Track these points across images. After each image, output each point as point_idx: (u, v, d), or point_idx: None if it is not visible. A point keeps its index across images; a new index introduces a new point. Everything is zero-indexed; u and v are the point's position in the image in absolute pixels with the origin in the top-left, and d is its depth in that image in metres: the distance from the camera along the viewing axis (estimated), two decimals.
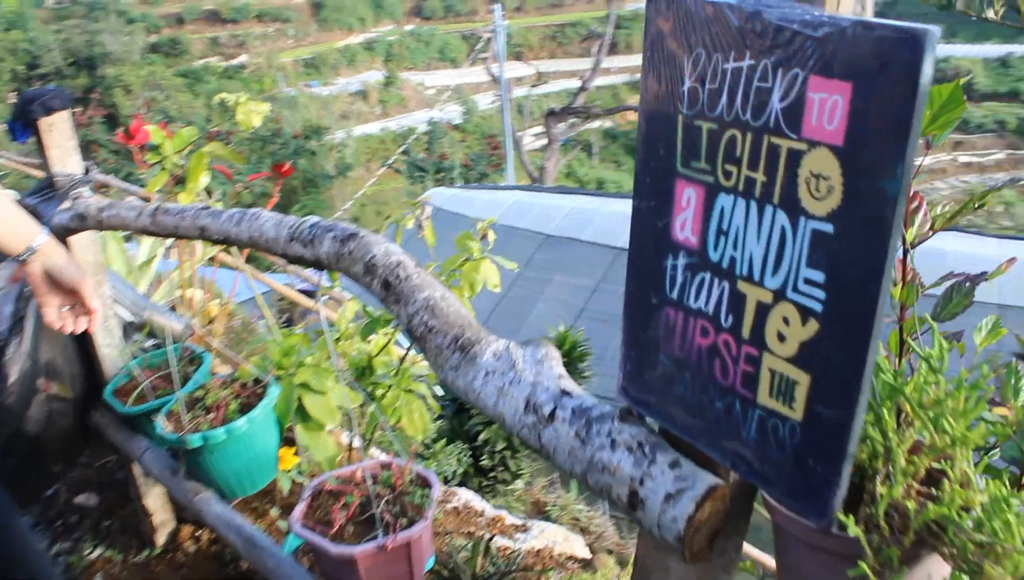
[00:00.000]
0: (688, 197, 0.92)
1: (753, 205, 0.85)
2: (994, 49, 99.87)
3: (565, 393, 1.09)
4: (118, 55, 54.88)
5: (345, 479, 1.90)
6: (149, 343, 2.75)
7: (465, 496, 3.16)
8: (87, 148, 28.71)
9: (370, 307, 2.56)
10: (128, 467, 2.67)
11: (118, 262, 3.47)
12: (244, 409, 2.14)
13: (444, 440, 4.25)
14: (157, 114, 29.95)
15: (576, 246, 12.40)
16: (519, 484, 5.78)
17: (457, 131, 54.87)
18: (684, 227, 0.93)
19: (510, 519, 3.07)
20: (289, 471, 2.45)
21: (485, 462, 5.31)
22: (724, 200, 0.88)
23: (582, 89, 25.93)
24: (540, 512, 5.94)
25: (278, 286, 9.13)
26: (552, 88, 59.76)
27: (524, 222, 13.04)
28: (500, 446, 5.42)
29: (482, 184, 21.06)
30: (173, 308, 3.61)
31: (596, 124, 49.08)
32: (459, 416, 5.35)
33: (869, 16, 0.82)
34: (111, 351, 2.49)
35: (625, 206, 14.00)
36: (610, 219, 12.85)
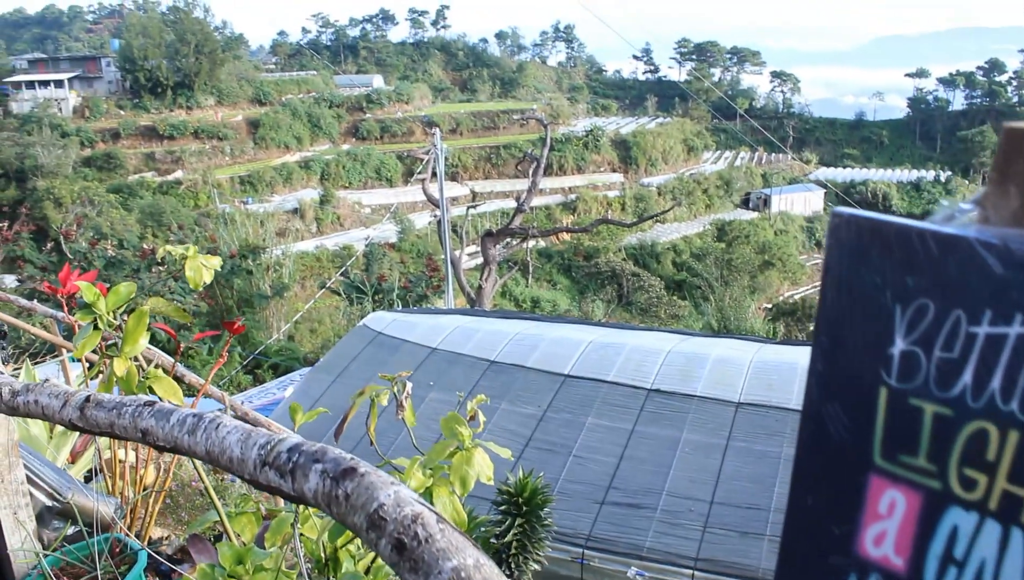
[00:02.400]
0: (891, 502, 0.63)
1: (1017, 535, 0.57)
2: (906, 174, 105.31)
3: None
4: (50, 168, 54.30)
5: None
6: (72, 531, 2.35)
7: None
8: (13, 264, 27.83)
9: None
10: None
11: (36, 425, 3.06)
12: None
13: None
14: (88, 230, 29.29)
15: (521, 373, 12.11)
16: None
17: (394, 250, 54.94)
18: (881, 542, 0.64)
19: None
20: None
21: None
22: (959, 518, 0.60)
23: (519, 210, 26.08)
24: None
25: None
26: (487, 208, 60.62)
27: (467, 348, 12.75)
28: None
29: (423, 307, 20.82)
30: (98, 472, 3.20)
31: (531, 243, 49.63)
32: None
33: None
34: (22, 553, 2.09)
35: (569, 331, 13.82)
36: (554, 345, 12.63)
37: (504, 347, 12.69)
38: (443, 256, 24.62)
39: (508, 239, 27.82)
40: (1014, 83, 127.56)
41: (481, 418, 2.03)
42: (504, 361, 12.37)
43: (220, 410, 5.96)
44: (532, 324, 14.50)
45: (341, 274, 27.69)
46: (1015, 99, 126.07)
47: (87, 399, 1.57)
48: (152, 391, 2.21)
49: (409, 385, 2.02)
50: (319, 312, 27.47)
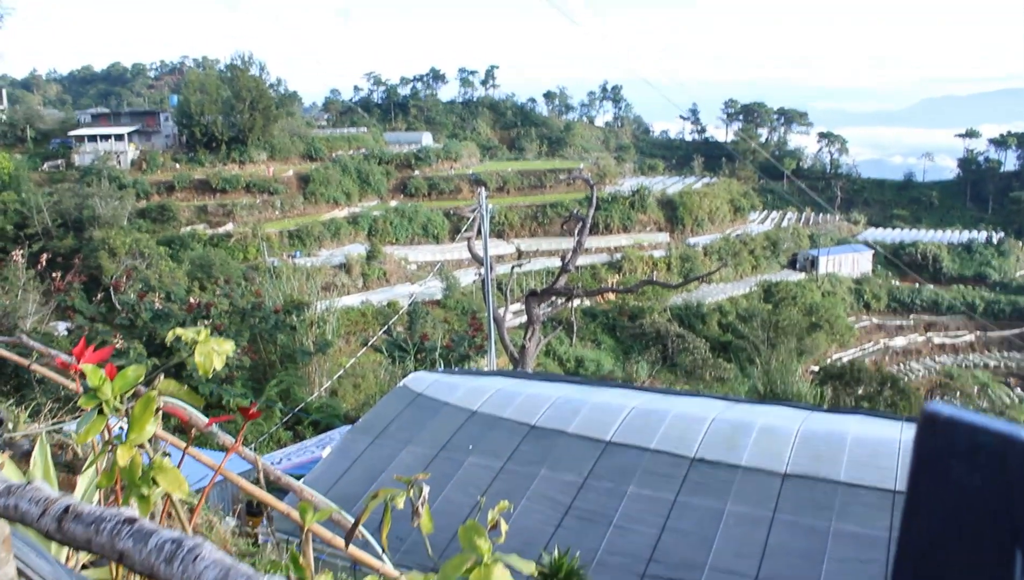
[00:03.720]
0: None
1: None
2: (957, 235, 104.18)
3: None
4: (106, 219, 55.59)
5: None
6: None
7: None
8: (64, 312, 28.32)
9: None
10: None
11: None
12: None
13: None
14: (137, 283, 29.71)
15: (562, 439, 11.86)
16: None
17: (439, 307, 55.06)
18: None
19: None
20: None
21: None
22: None
23: (564, 270, 25.97)
24: None
25: (235, 478, 8.44)
26: (533, 266, 60.65)
27: (508, 412, 12.55)
28: None
29: (464, 369, 20.70)
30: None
31: (575, 302, 49.46)
32: None
33: None
34: None
35: (611, 396, 13.57)
36: (596, 411, 12.39)
37: (545, 411, 12.48)
38: (489, 310, 24.57)
39: (553, 298, 27.71)
40: None
41: (504, 527, 1.85)
42: (545, 426, 12.14)
43: (252, 472, 5.79)
44: (574, 388, 14.28)
45: (384, 332, 27.71)
46: None
47: (66, 510, 1.44)
48: (156, 483, 2.07)
49: (426, 489, 1.86)
50: (363, 367, 27.49)
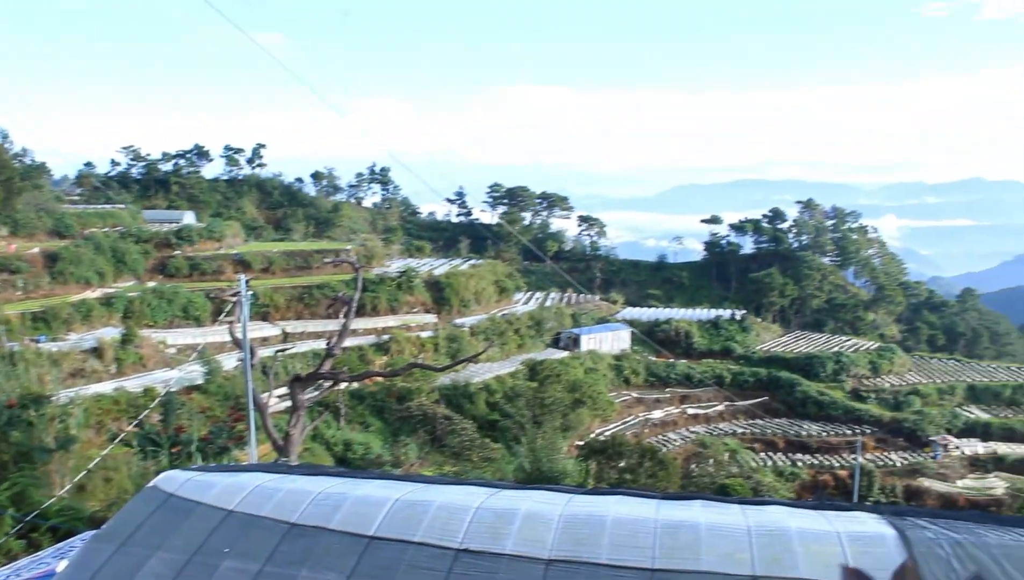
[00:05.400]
0: None
1: None
2: (705, 313, 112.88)
3: None
4: None
5: None
6: None
7: None
8: None
9: None
10: None
11: None
12: None
13: None
14: None
15: (324, 536, 11.48)
16: None
17: (200, 392, 52.38)
18: None
19: None
20: None
21: None
22: None
23: (329, 355, 25.59)
24: None
25: None
26: (299, 349, 59.27)
27: (267, 510, 12.00)
28: None
29: (222, 465, 19.66)
30: None
31: (343, 385, 48.60)
32: None
33: None
34: None
35: (374, 488, 13.34)
36: (359, 504, 12.10)
37: (306, 508, 12.03)
38: (249, 402, 23.69)
39: (319, 382, 27.16)
40: (793, 230, 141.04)
41: None
42: (305, 523, 11.68)
43: None
44: (337, 481, 13.88)
45: (135, 425, 25.99)
46: (795, 244, 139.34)
47: None
48: None
49: None
50: (115, 459, 25.47)
